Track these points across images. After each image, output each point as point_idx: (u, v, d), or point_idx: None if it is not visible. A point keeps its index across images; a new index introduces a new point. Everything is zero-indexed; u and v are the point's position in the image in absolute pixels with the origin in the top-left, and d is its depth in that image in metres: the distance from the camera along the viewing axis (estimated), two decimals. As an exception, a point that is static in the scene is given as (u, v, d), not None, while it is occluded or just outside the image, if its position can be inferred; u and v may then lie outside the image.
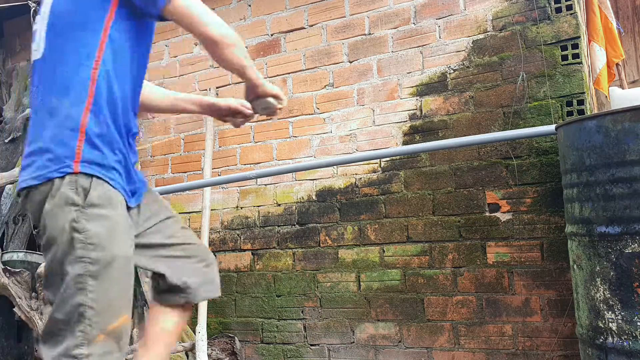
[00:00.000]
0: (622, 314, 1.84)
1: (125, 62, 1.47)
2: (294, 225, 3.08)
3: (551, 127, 2.25)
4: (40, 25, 1.48)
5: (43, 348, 1.42)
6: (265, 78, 3.21)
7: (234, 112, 1.86)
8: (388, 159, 2.86)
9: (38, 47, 1.47)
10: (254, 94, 1.69)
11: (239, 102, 1.85)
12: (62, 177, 1.38)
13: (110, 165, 1.44)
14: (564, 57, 2.53)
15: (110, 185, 1.43)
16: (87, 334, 1.38)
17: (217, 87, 3.36)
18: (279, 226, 3.12)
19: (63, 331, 1.39)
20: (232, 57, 1.52)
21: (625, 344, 1.83)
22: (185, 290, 1.65)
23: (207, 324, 2.93)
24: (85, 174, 1.39)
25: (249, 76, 1.61)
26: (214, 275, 1.73)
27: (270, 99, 1.71)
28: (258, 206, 3.19)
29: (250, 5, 3.31)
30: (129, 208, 1.52)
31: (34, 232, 3.24)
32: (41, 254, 3.03)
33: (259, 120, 3.23)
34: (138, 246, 1.57)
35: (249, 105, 1.78)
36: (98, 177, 1.41)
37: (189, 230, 1.78)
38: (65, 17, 1.43)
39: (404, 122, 2.85)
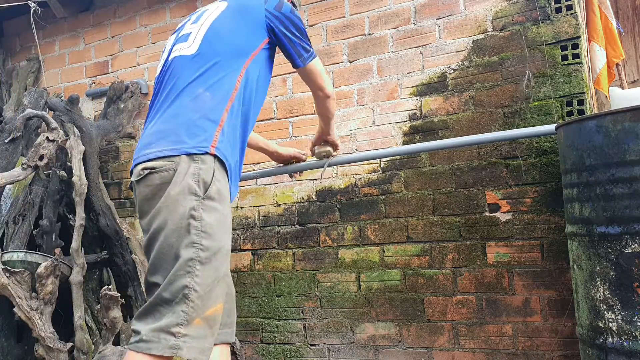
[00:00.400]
0: (622, 314, 1.84)
1: (255, 86, 1.80)
2: (294, 225, 3.08)
3: (551, 127, 2.25)
4: (195, 29, 1.78)
5: (138, 323, 1.53)
6: (265, 78, 3.22)
7: (293, 159, 2.37)
8: (388, 159, 2.86)
9: (190, 45, 1.74)
10: (323, 139, 2.25)
11: (297, 151, 2.39)
12: (198, 155, 1.57)
13: (230, 161, 1.67)
14: (564, 57, 2.53)
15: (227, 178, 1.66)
16: (188, 315, 1.50)
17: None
18: (279, 226, 3.12)
19: (165, 309, 1.50)
20: (332, 108, 2.07)
21: (625, 344, 1.83)
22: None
23: (207, 324, 2.93)
24: (217, 157, 1.60)
25: (331, 125, 2.17)
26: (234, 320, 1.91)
27: (330, 148, 2.27)
28: (258, 206, 3.19)
29: (250, 5, 3.30)
30: None
31: (34, 232, 3.24)
32: (41, 254, 3.03)
33: (259, 120, 3.23)
34: None
35: (305, 152, 2.36)
36: (222, 164, 1.62)
37: None
38: (226, 34, 1.76)
39: (404, 122, 2.85)
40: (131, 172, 1.68)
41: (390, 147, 2.83)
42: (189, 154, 1.56)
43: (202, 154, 1.57)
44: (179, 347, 1.48)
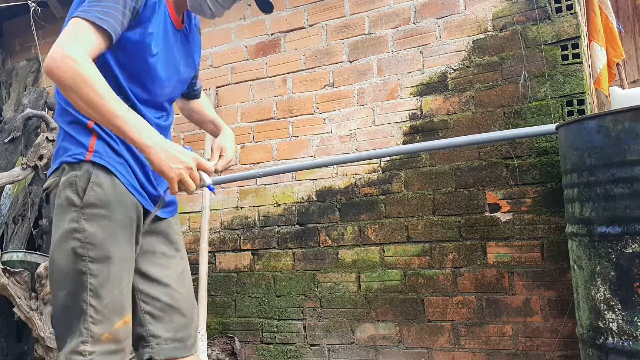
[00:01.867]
0: (623, 314, 1.84)
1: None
2: (294, 225, 3.08)
3: (552, 127, 2.25)
4: None
5: (58, 346, 1.47)
6: (266, 78, 3.22)
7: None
8: (388, 158, 2.86)
9: None
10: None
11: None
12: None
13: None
14: (565, 57, 2.53)
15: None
16: (91, 332, 1.41)
17: (217, 87, 3.36)
18: (278, 226, 3.12)
19: (69, 329, 1.43)
20: (69, 95, 1.33)
21: (625, 344, 1.83)
22: (150, 343, 1.60)
23: (206, 324, 2.92)
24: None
25: (111, 121, 1.36)
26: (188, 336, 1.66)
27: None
28: (258, 206, 3.18)
29: (250, 5, 3.30)
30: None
31: (33, 232, 3.24)
32: (41, 254, 3.03)
33: (259, 120, 3.23)
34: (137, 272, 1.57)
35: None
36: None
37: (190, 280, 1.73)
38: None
39: (404, 122, 2.85)
40: None
41: (390, 147, 2.82)
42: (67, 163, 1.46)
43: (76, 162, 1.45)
44: None
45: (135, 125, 1.32)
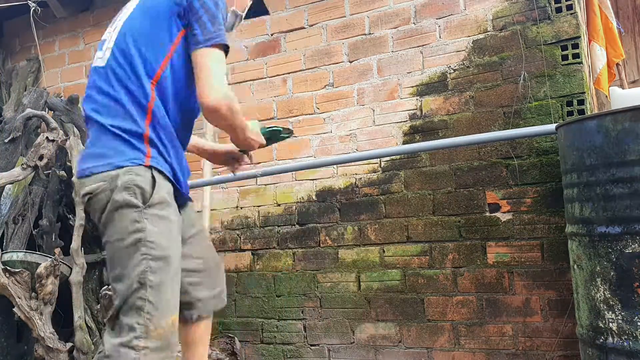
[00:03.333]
0: (623, 314, 1.84)
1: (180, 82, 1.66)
2: (294, 225, 3.08)
3: (551, 127, 2.25)
4: (109, 36, 1.68)
5: (105, 337, 1.55)
6: (266, 78, 3.22)
7: (230, 154, 2.02)
8: (388, 158, 2.86)
9: (103, 56, 1.65)
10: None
11: (232, 147, 1.95)
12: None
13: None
14: (564, 57, 2.53)
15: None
16: (146, 327, 1.49)
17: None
18: (279, 226, 3.12)
19: (123, 323, 1.51)
20: (225, 124, 1.64)
21: (625, 344, 1.83)
22: (196, 305, 1.82)
23: (207, 324, 2.92)
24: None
25: (240, 135, 1.74)
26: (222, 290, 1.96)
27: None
28: (258, 206, 3.18)
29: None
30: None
31: (34, 232, 3.23)
32: (41, 254, 3.03)
33: (259, 120, 3.22)
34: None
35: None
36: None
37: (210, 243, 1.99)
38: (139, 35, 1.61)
39: (404, 122, 2.85)
40: None
41: (391, 147, 2.83)
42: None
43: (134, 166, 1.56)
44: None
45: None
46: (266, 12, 1.92)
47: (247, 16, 2.00)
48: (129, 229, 1.50)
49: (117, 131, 1.55)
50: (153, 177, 1.54)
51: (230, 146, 1.95)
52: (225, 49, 1.61)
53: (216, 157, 2.07)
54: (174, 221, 1.59)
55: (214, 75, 1.54)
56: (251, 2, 1.95)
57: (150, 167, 1.55)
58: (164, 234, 1.53)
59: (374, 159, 2.81)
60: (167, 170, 1.59)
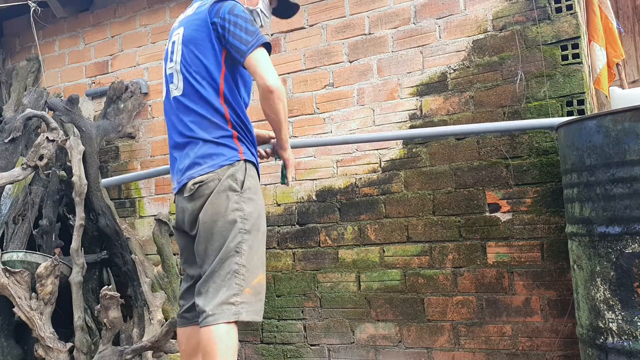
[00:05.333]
0: (623, 314, 1.84)
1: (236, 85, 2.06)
2: (294, 225, 3.08)
3: (555, 120, 2.25)
4: (174, 68, 2.06)
5: (202, 303, 1.85)
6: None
7: (271, 139, 2.31)
8: (388, 158, 2.86)
9: (177, 87, 2.04)
10: (277, 150, 2.21)
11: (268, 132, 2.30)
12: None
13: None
14: (564, 57, 2.53)
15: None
16: (241, 287, 1.85)
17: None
18: (279, 226, 3.12)
19: (222, 285, 1.85)
20: (277, 107, 1.96)
21: (625, 344, 1.83)
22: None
23: (207, 324, 2.92)
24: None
25: (282, 134, 2.09)
26: None
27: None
28: (258, 206, 3.18)
29: (250, 5, 3.30)
30: None
31: (34, 232, 3.24)
32: (41, 254, 3.03)
33: (259, 120, 3.23)
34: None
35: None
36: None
37: None
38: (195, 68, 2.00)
39: (404, 122, 2.85)
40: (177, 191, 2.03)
41: (413, 130, 2.78)
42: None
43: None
44: (239, 312, 1.83)
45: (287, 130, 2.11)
46: (296, 8, 2.37)
47: (281, 15, 2.40)
48: (231, 207, 1.89)
49: (215, 139, 1.94)
50: (246, 168, 1.96)
51: (271, 133, 2.25)
52: (267, 46, 1.98)
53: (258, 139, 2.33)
54: (261, 202, 2.00)
55: (268, 67, 1.92)
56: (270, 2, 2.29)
57: (244, 160, 1.97)
58: (253, 213, 1.93)
59: (394, 140, 2.77)
60: (254, 160, 2.03)
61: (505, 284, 2.57)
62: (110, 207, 3.36)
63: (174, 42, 2.08)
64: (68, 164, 3.35)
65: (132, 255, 3.22)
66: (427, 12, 2.84)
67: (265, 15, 2.24)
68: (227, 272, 1.85)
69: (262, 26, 2.20)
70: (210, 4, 2.00)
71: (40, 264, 2.85)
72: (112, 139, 3.60)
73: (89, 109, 3.80)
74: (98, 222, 3.27)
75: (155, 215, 3.39)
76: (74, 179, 3.16)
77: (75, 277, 2.96)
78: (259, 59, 1.92)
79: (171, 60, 2.07)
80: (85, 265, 3.04)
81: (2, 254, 2.89)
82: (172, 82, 2.06)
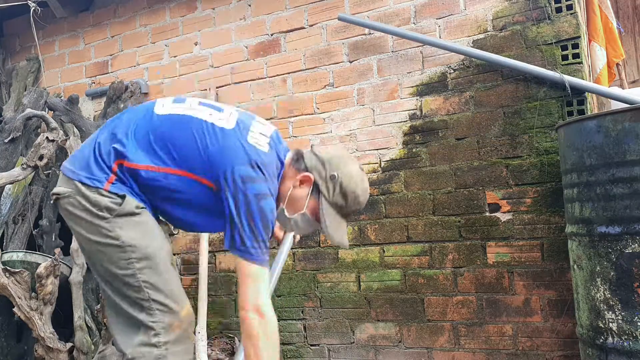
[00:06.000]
0: (623, 314, 1.84)
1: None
2: (294, 225, 3.08)
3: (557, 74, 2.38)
4: (228, 110, 1.79)
5: (121, 344, 1.63)
6: (266, 78, 3.22)
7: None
8: (388, 158, 2.86)
9: (226, 119, 1.73)
10: None
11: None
12: None
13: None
14: (565, 57, 2.53)
15: None
16: (163, 322, 1.60)
17: (217, 87, 3.36)
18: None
19: (137, 324, 1.61)
20: (248, 340, 1.60)
21: (625, 344, 1.83)
22: None
23: (207, 324, 2.92)
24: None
25: None
26: None
27: None
28: (258, 206, 3.18)
29: (250, 5, 3.30)
30: None
31: (34, 232, 3.23)
32: (41, 254, 3.03)
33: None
34: None
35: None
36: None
37: None
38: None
39: (404, 122, 2.85)
40: None
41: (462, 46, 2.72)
42: None
43: None
44: (163, 356, 1.59)
45: None
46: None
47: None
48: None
49: None
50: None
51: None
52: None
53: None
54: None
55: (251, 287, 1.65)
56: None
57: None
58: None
59: (450, 51, 2.69)
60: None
61: (506, 284, 2.57)
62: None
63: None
64: (68, 164, 3.35)
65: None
66: (427, 12, 2.83)
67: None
68: (137, 309, 1.71)
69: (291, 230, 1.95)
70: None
71: (40, 264, 2.85)
72: (112, 138, 3.60)
73: (89, 108, 3.80)
74: (98, 222, 3.26)
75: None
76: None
77: (75, 277, 2.96)
78: (251, 277, 1.63)
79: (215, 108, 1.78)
80: (85, 265, 3.03)
81: (2, 254, 2.88)
82: (219, 111, 1.76)
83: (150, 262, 1.64)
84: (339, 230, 1.76)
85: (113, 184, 1.64)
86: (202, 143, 1.65)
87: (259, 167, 1.61)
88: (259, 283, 1.60)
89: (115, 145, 1.66)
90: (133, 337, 1.60)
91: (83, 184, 1.65)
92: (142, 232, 1.65)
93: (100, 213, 1.63)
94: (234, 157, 1.62)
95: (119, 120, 1.75)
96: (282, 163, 1.75)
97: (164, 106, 1.75)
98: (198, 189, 1.67)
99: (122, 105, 3.52)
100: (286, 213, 1.76)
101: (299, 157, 1.75)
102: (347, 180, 1.71)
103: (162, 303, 1.61)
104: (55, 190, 1.70)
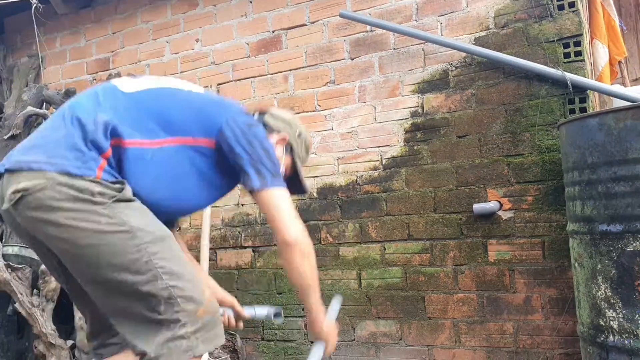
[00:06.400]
0: (623, 312, 1.84)
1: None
2: (295, 222, 3.08)
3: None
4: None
5: (139, 345, 1.43)
6: (267, 75, 3.22)
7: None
8: (389, 155, 2.86)
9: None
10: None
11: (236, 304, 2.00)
12: None
13: None
14: (567, 55, 2.52)
15: None
16: (187, 312, 1.44)
17: (218, 84, 3.36)
18: (279, 223, 3.12)
19: (158, 319, 1.43)
20: (300, 266, 1.71)
21: (626, 342, 1.83)
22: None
23: (207, 321, 2.93)
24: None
25: (310, 300, 1.88)
26: None
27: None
28: (259, 203, 3.18)
29: (251, 2, 3.30)
30: None
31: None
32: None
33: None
34: None
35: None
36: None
37: None
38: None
39: (405, 119, 2.85)
40: None
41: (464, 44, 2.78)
42: None
43: None
44: (195, 346, 1.45)
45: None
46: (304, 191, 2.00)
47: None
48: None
49: None
50: None
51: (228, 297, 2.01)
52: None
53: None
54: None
55: (283, 215, 1.66)
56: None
57: None
58: None
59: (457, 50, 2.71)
60: None
61: (506, 282, 2.57)
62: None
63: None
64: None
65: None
66: (429, 9, 2.83)
67: None
68: (157, 303, 1.54)
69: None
70: None
71: (35, 258, 2.85)
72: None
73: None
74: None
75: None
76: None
77: (77, 274, 2.97)
78: (282, 205, 1.64)
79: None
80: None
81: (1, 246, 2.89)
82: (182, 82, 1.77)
83: (163, 244, 1.47)
84: (304, 180, 1.94)
85: (105, 170, 1.43)
86: (194, 104, 1.63)
87: (252, 117, 1.73)
88: (292, 209, 1.64)
89: (105, 120, 1.45)
90: (154, 337, 1.42)
91: (65, 173, 1.38)
92: (147, 217, 1.49)
93: (94, 199, 1.39)
94: (231, 109, 1.67)
95: (82, 106, 1.52)
96: None
97: (130, 85, 1.61)
98: (193, 155, 1.58)
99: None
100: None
101: (262, 120, 1.83)
102: (306, 136, 1.91)
103: (183, 289, 1.45)
104: (20, 186, 1.37)
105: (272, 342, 3.08)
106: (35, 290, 2.83)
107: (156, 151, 1.51)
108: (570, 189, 2.11)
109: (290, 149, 1.85)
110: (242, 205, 3.24)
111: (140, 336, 1.43)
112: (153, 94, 1.61)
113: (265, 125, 1.78)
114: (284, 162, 1.81)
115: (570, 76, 2.43)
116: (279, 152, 1.79)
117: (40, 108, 3.42)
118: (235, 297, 3.16)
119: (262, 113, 1.85)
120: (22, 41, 4.21)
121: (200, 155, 1.60)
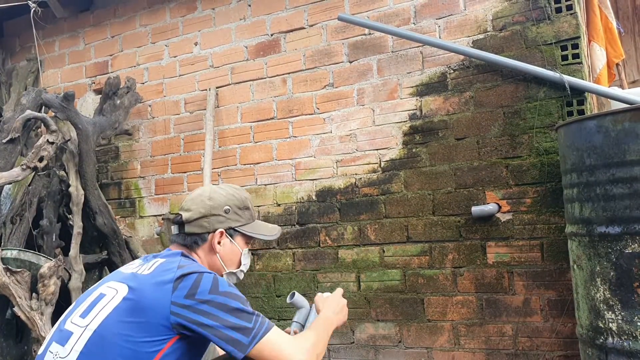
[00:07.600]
0: (622, 314, 1.84)
1: None
2: (294, 225, 3.08)
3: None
4: (79, 330, 1.43)
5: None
6: (266, 78, 3.22)
7: None
8: (388, 158, 2.86)
9: (66, 355, 1.40)
10: None
11: None
12: None
13: None
14: (564, 57, 2.53)
15: None
16: None
17: (217, 87, 3.36)
18: (279, 226, 3.11)
19: None
20: None
21: (625, 344, 1.83)
22: None
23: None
24: None
25: None
26: None
27: None
28: (258, 206, 3.18)
29: (250, 5, 3.30)
30: None
31: (34, 232, 3.23)
32: (34, 253, 3.03)
33: (259, 120, 3.23)
34: None
35: None
36: None
37: None
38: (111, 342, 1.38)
39: (403, 122, 2.85)
40: None
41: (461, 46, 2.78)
42: None
43: None
44: None
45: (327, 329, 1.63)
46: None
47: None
48: None
49: None
50: None
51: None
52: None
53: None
54: None
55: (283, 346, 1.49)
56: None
57: None
58: None
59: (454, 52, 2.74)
60: None
61: (505, 284, 2.57)
62: (107, 205, 3.36)
63: (103, 296, 1.48)
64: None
65: (138, 254, 3.23)
66: (427, 12, 2.84)
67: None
68: None
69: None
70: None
71: (34, 262, 2.85)
72: (109, 135, 3.57)
73: (89, 108, 3.79)
74: (95, 220, 3.26)
75: (156, 215, 3.39)
76: (70, 189, 3.17)
77: (75, 283, 2.98)
78: (272, 340, 1.43)
79: (83, 315, 1.46)
80: (84, 272, 3.06)
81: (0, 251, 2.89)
82: (61, 344, 1.43)
83: None
84: (267, 229, 1.80)
85: None
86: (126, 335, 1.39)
87: (182, 269, 1.46)
88: (285, 341, 1.46)
89: None
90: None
91: None
92: None
93: None
94: (162, 296, 1.41)
95: None
96: (190, 250, 1.65)
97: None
98: None
99: (118, 102, 3.49)
100: (233, 270, 1.71)
101: (190, 237, 1.65)
102: (234, 199, 1.70)
103: None
104: None
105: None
106: (34, 294, 2.82)
107: None
108: (569, 191, 2.12)
109: (232, 231, 1.68)
110: (241, 208, 3.23)
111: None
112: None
113: (190, 235, 1.63)
114: (238, 245, 1.70)
115: (568, 79, 2.44)
116: (228, 247, 1.67)
117: (39, 112, 3.42)
118: (235, 300, 3.18)
119: (180, 228, 1.65)
120: (21, 45, 4.21)
121: None
